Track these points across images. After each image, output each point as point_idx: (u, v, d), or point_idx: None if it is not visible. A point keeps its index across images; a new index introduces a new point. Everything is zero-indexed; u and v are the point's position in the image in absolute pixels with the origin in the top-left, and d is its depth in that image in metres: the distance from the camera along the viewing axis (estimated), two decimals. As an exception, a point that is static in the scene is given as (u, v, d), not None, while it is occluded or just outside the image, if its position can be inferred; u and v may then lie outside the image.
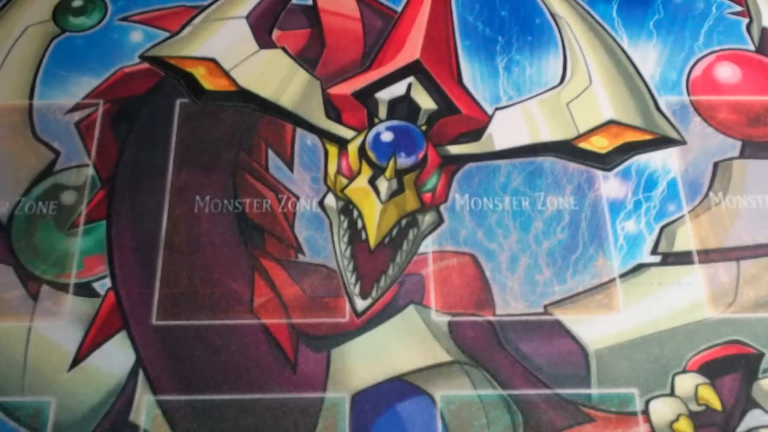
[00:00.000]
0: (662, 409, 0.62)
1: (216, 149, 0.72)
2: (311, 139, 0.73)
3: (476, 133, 0.73)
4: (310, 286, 0.66)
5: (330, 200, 0.70)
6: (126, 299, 0.65)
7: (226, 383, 0.62)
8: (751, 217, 0.70)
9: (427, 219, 0.69)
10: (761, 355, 0.64)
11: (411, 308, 0.66)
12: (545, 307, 0.66)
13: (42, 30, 0.79)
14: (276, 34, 0.79)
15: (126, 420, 0.61)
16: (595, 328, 0.65)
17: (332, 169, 0.71)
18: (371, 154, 0.71)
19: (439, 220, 0.69)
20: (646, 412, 0.62)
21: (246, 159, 0.72)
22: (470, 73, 0.77)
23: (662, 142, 0.73)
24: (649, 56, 0.78)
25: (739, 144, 0.74)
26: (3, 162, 0.72)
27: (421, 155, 0.71)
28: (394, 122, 0.73)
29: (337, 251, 0.68)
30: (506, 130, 0.73)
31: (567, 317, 0.65)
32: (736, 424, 0.62)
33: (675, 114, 0.75)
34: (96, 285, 0.66)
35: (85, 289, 0.66)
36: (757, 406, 0.62)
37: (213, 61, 0.76)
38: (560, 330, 0.65)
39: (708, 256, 0.68)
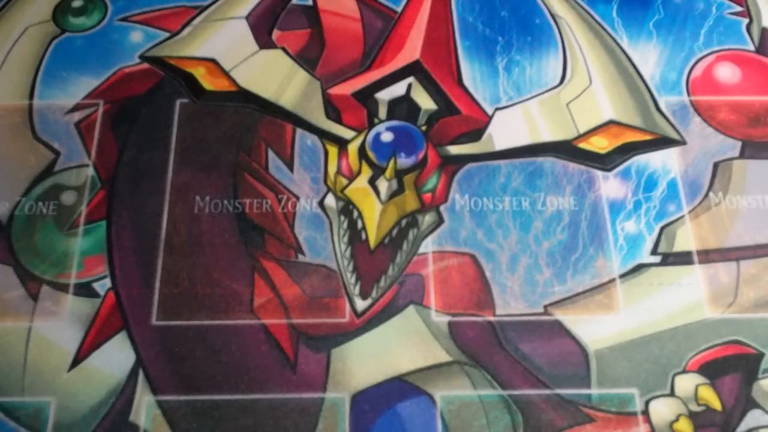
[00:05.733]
0: (662, 410, 0.62)
1: (216, 149, 0.72)
2: (311, 139, 0.73)
3: (476, 133, 0.73)
4: (310, 287, 0.66)
5: (330, 200, 0.70)
6: (126, 299, 0.65)
7: (226, 383, 0.62)
8: (751, 217, 0.70)
9: (427, 219, 0.69)
10: (761, 355, 0.64)
11: (411, 308, 0.66)
12: (545, 307, 0.66)
13: (42, 30, 0.79)
14: (276, 34, 0.79)
15: (126, 420, 0.61)
16: (595, 328, 0.65)
17: (332, 169, 0.71)
18: (371, 155, 0.71)
19: (439, 221, 0.69)
20: (646, 413, 0.62)
21: (246, 159, 0.72)
22: (470, 73, 0.77)
23: (662, 142, 0.73)
24: (649, 56, 0.78)
25: (739, 144, 0.74)
26: (3, 162, 0.72)
27: (421, 155, 0.71)
28: (394, 122, 0.73)
29: (337, 251, 0.68)
30: (506, 131, 0.73)
31: (567, 317, 0.65)
32: (736, 425, 0.62)
33: (675, 114, 0.75)
34: (96, 285, 0.66)
35: (85, 289, 0.66)
36: (757, 406, 0.62)
37: (213, 61, 0.76)
38: (560, 330, 0.65)
39: (708, 256, 0.68)
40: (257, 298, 0.66)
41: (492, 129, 0.73)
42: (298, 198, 0.70)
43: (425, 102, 0.74)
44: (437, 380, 0.63)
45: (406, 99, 0.75)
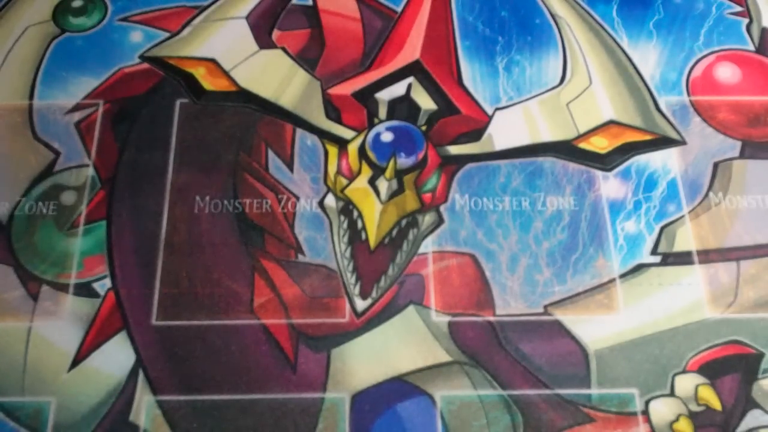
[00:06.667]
0: (662, 410, 0.62)
1: (216, 149, 0.72)
2: (311, 139, 0.73)
3: (476, 133, 0.73)
4: (310, 287, 0.66)
5: (330, 200, 0.70)
6: (126, 299, 0.65)
7: (226, 383, 0.62)
8: (751, 217, 0.70)
9: (427, 219, 0.69)
10: (761, 355, 0.64)
11: (411, 308, 0.66)
12: (545, 307, 0.66)
13: (42, 30, 0.79)
14: (276, 34, 0.79)
15: (126, 420, 0.61)
16: (595, 328, 0.65)
17: (332, 169, 0.71)
18: (371, 155, 0.71)
19: (439, 221, 0.69)
20: (646, 413, 0.62)
21: (246, 159, 0.72)
22: (470, 73, 0.77)
23: (662, 142, 0.73)
24: (649, 56, 0.78)
25: (739, 144, 0.74)
26: (3, 162, 0.72)
27: (421, 155, 0.71)
28: (394, 122, 0.73)
29: (337, 251, 0.68)
30: (506, 131, 0.73)
31: (567, 317, 0.65)
32: (736, 425, 0.62)
33: (675, 114, 0.75)
34: (96, 285, 0.66)
35: (85, 290, 0.66)
36: (757, 406, 0.62)
37: (213, 61, 0.76)
38: (560, 330, 0.65)
39: (708, 256, 0.68)
40: (257, 298, 0.66)
41: (492, 129, 0.73)
42: (298, 198, 0.70)
43: (425, 102, 0.74)
44: (437, 380, 0.63)
45: (406, 99, 0.74)
